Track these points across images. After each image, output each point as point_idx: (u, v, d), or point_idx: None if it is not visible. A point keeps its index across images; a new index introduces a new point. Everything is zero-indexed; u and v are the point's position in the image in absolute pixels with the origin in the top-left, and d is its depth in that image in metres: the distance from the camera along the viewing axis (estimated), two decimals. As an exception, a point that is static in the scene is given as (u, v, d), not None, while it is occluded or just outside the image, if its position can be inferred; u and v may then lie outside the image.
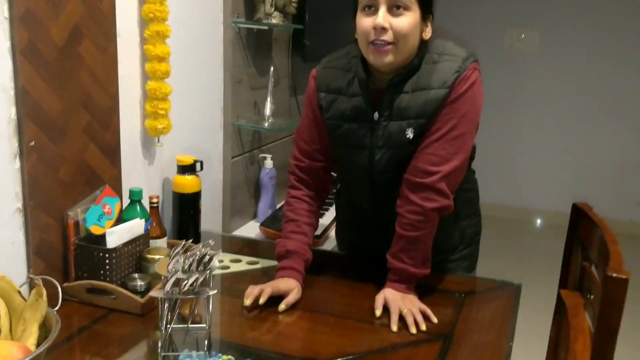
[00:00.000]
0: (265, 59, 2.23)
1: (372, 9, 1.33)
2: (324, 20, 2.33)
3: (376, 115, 1.41)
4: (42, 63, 1.30)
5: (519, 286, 1.55)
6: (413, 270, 1.42)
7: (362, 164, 1.46)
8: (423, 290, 1.48)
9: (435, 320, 1.36)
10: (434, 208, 1.38)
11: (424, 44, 1.40)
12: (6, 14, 1.21)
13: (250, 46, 2.12)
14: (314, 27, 2.22)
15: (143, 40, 1.60)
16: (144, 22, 1.59)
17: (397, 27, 1.31)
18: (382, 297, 1.41)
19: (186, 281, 1.14)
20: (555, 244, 4.45)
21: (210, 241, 1.25)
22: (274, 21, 2.00)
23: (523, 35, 4.48)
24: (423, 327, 1.33)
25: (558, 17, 4.33)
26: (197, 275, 1.15)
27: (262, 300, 1.38)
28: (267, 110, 2.11)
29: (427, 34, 1.39)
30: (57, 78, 1.34)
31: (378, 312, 1.38)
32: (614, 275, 1.06)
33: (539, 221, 4.70)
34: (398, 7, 1.31)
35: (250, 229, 2.21)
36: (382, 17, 1.31)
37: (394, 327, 1.33)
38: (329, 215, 2.18)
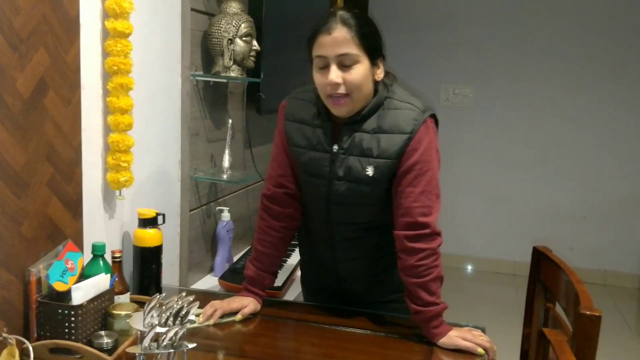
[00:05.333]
0: (221, 111, 2.24)
1: (325, 66, 1.42)
2: (278, 74, 2.37)
3: (335, 147, 1.48)
4: (7, 114, 1.26)
5: (482, 329, 1.58)
6: (444, 305, 1.47)
7: (321, 192, 1.53)
8: (388, 338, 1.50)
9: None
10: (438, 245, 1.47)
11: (382, 85, 1.48)
12: (-27, 65, 1.18)
13: (207, 99, 2.13)
14: (269, 81, 2.25)
15: (106, 93, 1.58)
16: (107, 74, 1.58)
17: (349, 80, 1.41)
18: (463, 342, 1.44)
19: (165, 335, 1.11)
20: (490, 289, 4.56)
21: (183, 294, 1.24)
22: (232, 74, 2.02)
23: (457, 91, 4.72)
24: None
25: (487, 74, 4.59)
26: (177, 329, 1.12)
27: (212, 322, 1.55)
28: (226, 162, 2.10)
29: (379, 75, 1.47)
30: (22, 130, 1.31)
31: (482, 351, 1.43)
32: (587, 313, 1.11)
33: (470, 267, 4.82)
34: (347, 63, 1.40)
35: (207, 283, 2.17)
36: (334, 74, 1.40)
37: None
38: (294, 257, 2.19)
